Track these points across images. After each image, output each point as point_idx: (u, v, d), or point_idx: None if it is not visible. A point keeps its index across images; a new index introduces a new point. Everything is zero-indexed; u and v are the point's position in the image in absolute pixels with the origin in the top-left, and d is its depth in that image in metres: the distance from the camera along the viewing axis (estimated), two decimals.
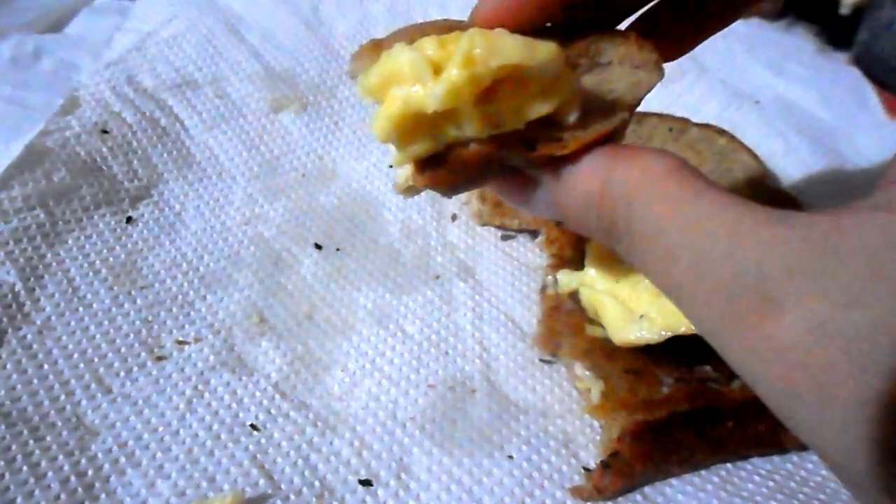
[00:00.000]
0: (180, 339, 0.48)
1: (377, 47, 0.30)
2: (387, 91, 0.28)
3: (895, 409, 0.21)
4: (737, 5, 0.37)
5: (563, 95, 0.29)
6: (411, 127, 0.28)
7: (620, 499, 0.42)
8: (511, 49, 0.27)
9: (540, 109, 0.29)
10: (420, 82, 0.27)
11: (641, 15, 0.36)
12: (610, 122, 0.30)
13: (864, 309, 0.21)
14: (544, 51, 0.28)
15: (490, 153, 0.29)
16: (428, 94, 0.27)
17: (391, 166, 0.63)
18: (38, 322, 0.46)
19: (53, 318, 0.46)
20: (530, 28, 0.30)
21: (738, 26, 0.35)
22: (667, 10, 0.36)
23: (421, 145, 0.29)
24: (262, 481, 0.41)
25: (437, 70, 0.27)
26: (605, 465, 0.42)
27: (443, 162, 0.30)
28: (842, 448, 0.22)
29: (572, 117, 0.29)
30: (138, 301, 0.49)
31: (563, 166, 0.30)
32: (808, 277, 0.22)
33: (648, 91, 0.31)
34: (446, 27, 0.30)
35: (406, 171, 0.31)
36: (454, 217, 0.60)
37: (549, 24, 0.32)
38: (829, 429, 0.22)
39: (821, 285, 0.22)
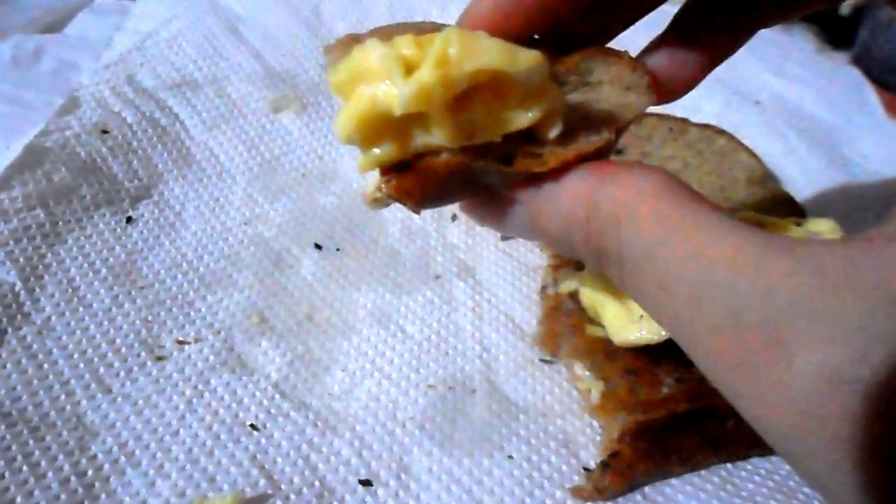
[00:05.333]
0: (180, 339, 0.48)
1: (353, 42, 0.28)
2: (354, 88, 0.26)
3: None
4: (785, 10, 0.33)
5: (544, 108, 0.27)
6: (377, 129, 0.26)
7: (620, 499, 0.42)
8: (490, 52, 0.25)
9: (519, 121, 0.27)
10: (389, 81, 0.25)
11: (673, 23, 0.33)
12: (593, 140, 0.28)
13: (883, 353, 0.19)
14: (526, 58, 0.26)
15: (462, 165, 0.27)
16: (396, 95, 0.25)
17: None
18: (38, 322, 0.46)
19: (53, 318, 0.46)
20: (520, 36, 0.29)
21: None
22: (701, 16, 0.33)
23: (386, 150, 0.27)
24: (262, 481, 0.41)
25: (409, 70, 0.25)
26: (605, 465, 0.42)
27: (411, 171, 0.27)
28: (860, 501, 0.21)
29: (554, 132, 0.28)
30: (138, 301, 0.49)
31: (543, 185, 0.28)
32: (819, 317, 0.21)
33: (638, 114, 0.30)
34: (431, 28, 0.28)
35: (375, 181, 0.29)
36: (454, 217, 0.60)
37: (537, 37, 0.30)
38: (848, 483, 0.20)
39: (833, 327, 0.20)
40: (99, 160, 0.56)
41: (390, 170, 0.28)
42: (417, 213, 0.29)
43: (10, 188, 0.51)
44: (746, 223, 0.24)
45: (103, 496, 0.39)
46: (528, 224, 0.29)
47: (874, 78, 0.78)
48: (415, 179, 0.27)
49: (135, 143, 0.59)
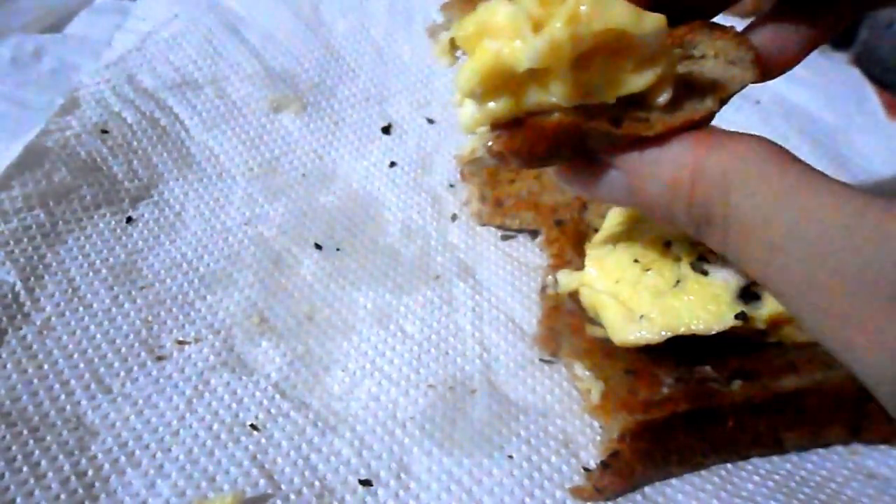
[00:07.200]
0: (180, 339, 0.48)
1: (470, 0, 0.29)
2: (478, 43, 0.27)
3: None
4: None
5: (658, 73, 0.28)
6: (497, 84, 0.27)
7: (620, 499, 0.42)
8: (618, 12, 0.26)
9: (634, 84, 0.28)
10: (518, 37, 0.26)
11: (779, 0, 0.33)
12: (699, 109, 0.29)
13: None
14: (652, 21, 0.27)
15: (572, 125, 0.28)
16: (525, 50, 0.26)
17: (392, 164, 0.63)
18: (38, 322, 0.46)
19: (53, 318, 0.46)
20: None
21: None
22: None
23: (503, 105, 0.28)
24: (262, 481, 0.41)
25: (535, 28, 0.26)
26: (605, 465, 0.42)
27: (521, 129, 0.29)
28: None
29: (664, 98, 0.29)
30: (138, 301, 0.49)
31: (646, 150, 0.28)
32: None
33: (741, 88, 0.31)
34: None
35: (473, 142, 0.30)
36: (454, 217, 0.60)
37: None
38: None
39: None
40: (99, 160, 0.56)
41: (499, 126, 0.29)
42: (520, 168, 0.30)
43: (10, 188, 0.51)
44: (856, 188, 0.25)
45: (103, 496, 0.39)
46: (626, 190, 0.30)
47: (874, 78, 0.78)
48: (524, 137, 0.29)
49: (135, 143, 0.59)
